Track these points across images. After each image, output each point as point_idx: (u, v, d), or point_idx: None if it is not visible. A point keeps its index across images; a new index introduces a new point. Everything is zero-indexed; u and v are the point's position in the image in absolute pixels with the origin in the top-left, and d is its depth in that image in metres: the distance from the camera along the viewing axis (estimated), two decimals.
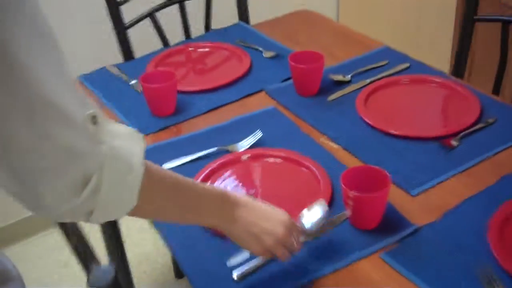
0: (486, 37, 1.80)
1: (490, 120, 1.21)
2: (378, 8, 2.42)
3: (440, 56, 2.11)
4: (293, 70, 1.33)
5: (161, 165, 1.14)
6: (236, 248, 0.88)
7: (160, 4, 1.68)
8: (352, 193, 0.92)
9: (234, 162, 1.14)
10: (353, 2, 2.52)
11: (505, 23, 1.44)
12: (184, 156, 1.17)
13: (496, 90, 1.48)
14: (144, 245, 2.07)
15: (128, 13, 1.64)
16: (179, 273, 1.94)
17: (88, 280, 0.69)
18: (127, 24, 1.64)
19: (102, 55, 1.72)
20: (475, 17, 1.50)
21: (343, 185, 0.93)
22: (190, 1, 1.72)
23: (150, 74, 1.33)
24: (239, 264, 0.89)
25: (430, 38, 2.25)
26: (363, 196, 0.92)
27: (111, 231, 1.56)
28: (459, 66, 1.56)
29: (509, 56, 1.46)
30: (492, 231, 0.92)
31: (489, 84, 1.48)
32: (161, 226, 1.01)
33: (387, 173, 0.95)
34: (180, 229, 0.97)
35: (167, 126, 1.28)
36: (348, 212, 0.95)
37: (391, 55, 1.48)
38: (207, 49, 1.57)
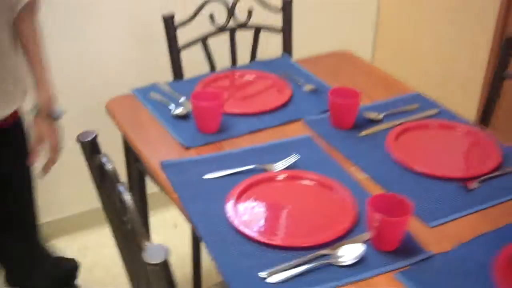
0: None
1: (509, 169, 1.30)
2: (412, 53, 2.54)
3: (468, 105, 2.21)
4: (331, 104, 1.45)
5: (202, 176, 1.26)
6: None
7: (212, 31, 1.82)
8: (376, 215, 1.03)
9: (270, 180, 1.25)
10: (389, 46, 2.64)
11: None
12: (224, 170, 1.28)
13: None
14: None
15: (182, 36, 1.79)
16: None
17: (142, 257, 0.79)
18: (181, 47, 1.78)
19: (154, 73, 1.86)
20: (503, 74, 1.61)
21: (369, 207, 1.04)
22: (240, 31, 1.86)
23: (199, 92, 1.45)
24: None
25: (461, 87, 2.35)
26: (386, 219, 1.03)
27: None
28: (486, 117, 1.66)
29: None
30: (497, 267, 1.01)
31: None
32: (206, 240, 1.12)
33: (410, 202, 1.05)
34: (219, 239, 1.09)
35: (211, 142, 1.41)
36: (370, 233, 1.05)
37: (422, 101, 1.60)
38: (251, 77, 1.70)
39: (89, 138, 1.07)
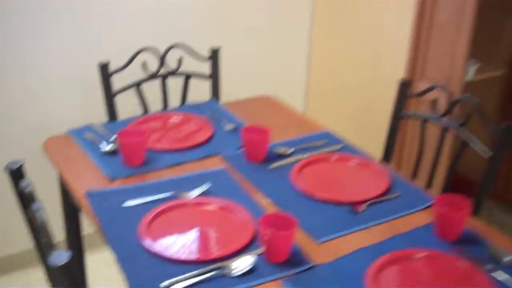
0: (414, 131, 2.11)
1: (395, 195, 1.49)
2: (340, 94, 2.76)
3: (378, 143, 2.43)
4: (244, 140, 1.63)
5: (122, 204, 1.41)
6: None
7: (145, 77, 2.00)
8: (266, 230, 1.19)
9: (181, 206, 1.41)
10: (319, 92, 2.87)
11: (424, 121, 1.76)
12: (142, 198, 1.44)
13: (414, 173, 1.77)
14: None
15: (119, 81, 1.96)
16: None
17: (45, 262, 0.94)
18: (116, 91, 1.95)
19: (93, 115, 2.03)
20: (400, 114, 1.82)
21: (261, 224, 1.21)
22: (171, 78, 2.04)
23: (125, 130, 1.62)
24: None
25: (378, 130, 2.58)
26: (273, 232, 1.19)
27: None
28: (387, 152, 1.86)
29: (424, 148, 1.76)
30: (368, 275, 1.18)
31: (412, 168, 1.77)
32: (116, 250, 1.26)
33: (294, 219, 1.22)
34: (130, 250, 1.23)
35: (135, 174, 1.56)
36: (262, 247, 1.22)
37: (329, 137, 1.79)
38: (179, 118, 1.88)
39: (16, 166, 1.22)
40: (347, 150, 1.72)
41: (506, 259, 1.24)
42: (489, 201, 2.87)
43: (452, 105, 1.66)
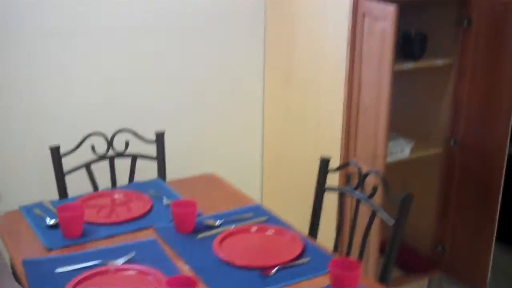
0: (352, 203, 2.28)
1: (305, 260, 1.65)
2: (293, 184, 2.95)
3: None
4: (172, 213, 1.80)
5: (55, 270, 1.56)
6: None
7: (94, 159, 2.20)
8: None
9: (105, 272, 1.56)
10: (274, 178, 3.06)
11: (342, 194, 1.94)
12: (75, 265, 1.59)
13: (336, 244, 1.93)
14: None
15: (70, 162, 2.16)
16: None
17: None
18: (67, 171, 2.14)
19: (44, 192, 2.21)
20: (322, 188, 2.00)
21: (164, 285, 1.36)
22: (119, 159, 2.24)
23: (64, 206, 1.79)
24: None
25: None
26: None
27: None
28: (313, 225, 2.02)
29: (345, 218, 1.93)
30: None
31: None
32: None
33: (195, 280, 1.37)
34: None
35: (72, 245, 1.72)
36: None
37: (258, 210, 1.96)
38: (121, 195, 2.05)
39: None
40: (272, 221, 1.89)
41: None
42: (437, 272, 2.99)
43: (362, 179, 1.84)
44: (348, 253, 1.91)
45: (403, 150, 2.73)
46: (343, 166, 1.92)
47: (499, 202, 2.75)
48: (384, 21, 2.12)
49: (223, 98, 2.90)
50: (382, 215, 1.78)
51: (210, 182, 2.26)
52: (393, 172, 2.91)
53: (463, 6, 2.61)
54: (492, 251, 2.81)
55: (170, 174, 2.35)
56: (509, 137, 2.65)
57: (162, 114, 2.71)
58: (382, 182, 1.77)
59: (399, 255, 2.96)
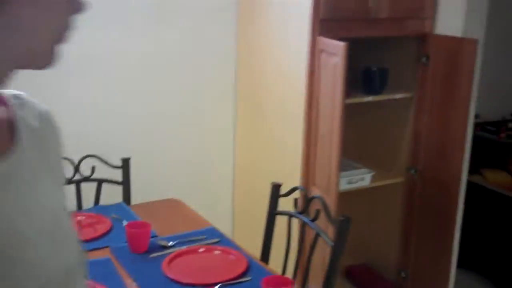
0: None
1: (247, 278, 1.75)
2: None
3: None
4: (126, 234, 1.91)
5: None
6: None
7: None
8: None
9: None
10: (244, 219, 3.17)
11: (290, 216, 2.05)
12: None
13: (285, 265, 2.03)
14: None
15: None
16: None
17: None
18: None
19: None
20: (274, 212, 2.11)
21: None
22: (85, 183, 2.36)
23: None
24: None
25: None
26: None
27: None
28: (265, 248, 2.13)
29: (292, 241, 2.03)
30: None
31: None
32: None
33: None
34: None
35: None
36: None
37: (211, 232, 2.07)
38: (83, 218, 2.17)
39: None
40: (223, 243, 1.99)
41: None
42: None
43: (306, 203, 1.95)
44: (295, 274, 2.01)
45: (363, 178, 2.85)
46: (290, 192, 2.03)
47: (458, 230, 2.86)
48: (336, 57, 2.26)
49: (194, 125, 3.03)
50: (323, 237, 1.89)
51: (172, 206, 2.37)
52: (357, 200, 3.04)
53: (421, 43, 2.75)
54: (453, 277, 2.90)
55: (139, 198, 2.47)
56: (466, 167, 2.77)
57: (132, 140, 2.84)
58: (323, 207, 1.88)
59: (365, 280, 3.09)
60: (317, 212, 1.90)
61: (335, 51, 2.25)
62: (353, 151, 3.02)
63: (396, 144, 3.01)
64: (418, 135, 2.87)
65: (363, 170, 2.88)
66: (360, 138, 3.13)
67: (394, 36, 2.76)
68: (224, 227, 2.28)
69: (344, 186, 2.76)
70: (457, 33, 2.65)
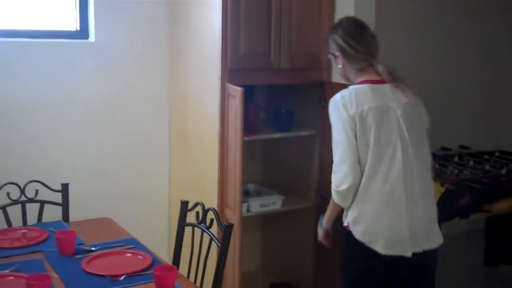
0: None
1: (147, 272, 2.21)
2: None
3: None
4: (56, 239, 2.37)
5: None
6: None
7: (9, 203, 2.77)
8: None
9: None
10: None
11: (193, 226, 2.52)
12: None
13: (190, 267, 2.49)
14: None
15: None
16: None
17: None
18: None
19: None
20: (183, 224, 2.59)
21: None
22: (30, 204, 2.82)
23: None
24: None
25: None
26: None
27: None
28: (176, 255, 2.59)
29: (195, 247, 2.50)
30: None
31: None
32: None
33: (48, 275, 1.93)
34: None
35: None
36: None
37: (129, 241, 2.53)
38: (25, 231, 2.62)
39: None
40: (138, 249, 2.46)
41: None
42: None
43: (204, 215, 2.44)
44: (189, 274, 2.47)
45: (275, 203, 3.34)
46: (192, 208, 2.52)
47: None
48: (236, 99, 2.79)
49: (133, 165, 3.52)
50: (214, 240, 2.36)
51: (103, 223, 2.83)
52: (270, 222, 3.52)
53: (321, 89, 3.31)
54: None
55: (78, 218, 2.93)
56: None
57: (76, 167, 3.32)
58: (216, 217, 2.37)
59: None
60: (212, 221, 2.38)
61: (235, 94, 2.78)
62: (269, 181, 3.53)
63: (306, 174, 3.52)
64: (322, 167, 3.39)
65: (275, 196, 3.37)
66: (275, 170, 3.64)
67: (298, 83, 3.31)
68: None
69: (257, 208, 3.25)
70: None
